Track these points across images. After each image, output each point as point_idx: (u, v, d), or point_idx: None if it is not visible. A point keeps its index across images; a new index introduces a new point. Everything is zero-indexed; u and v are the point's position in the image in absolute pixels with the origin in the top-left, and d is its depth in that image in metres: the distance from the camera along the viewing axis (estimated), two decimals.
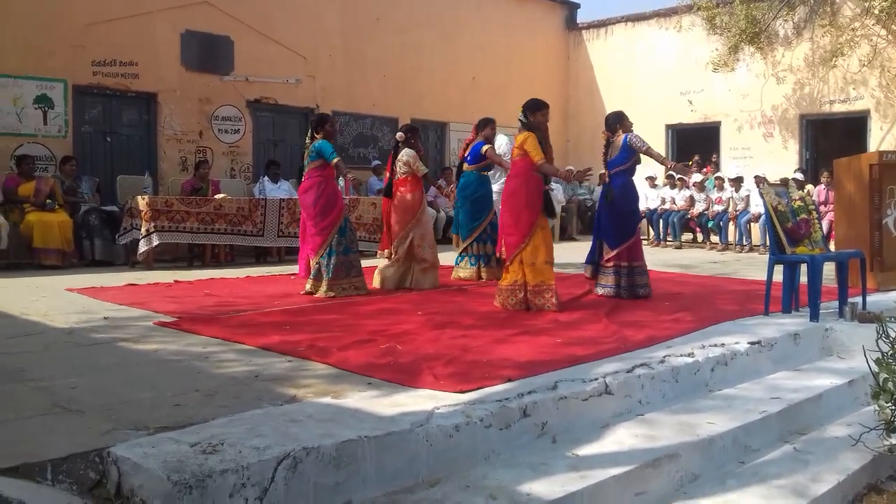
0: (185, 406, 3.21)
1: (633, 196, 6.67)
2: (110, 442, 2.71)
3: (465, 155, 7.91)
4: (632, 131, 6.62)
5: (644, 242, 13.24)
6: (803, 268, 5.69)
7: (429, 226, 7.20)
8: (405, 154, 7.11)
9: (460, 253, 7.89)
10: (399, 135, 7.32)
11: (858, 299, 5.83)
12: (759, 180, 11.13)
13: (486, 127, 7.75)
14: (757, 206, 11.56)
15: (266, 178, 11.03)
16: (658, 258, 10.72)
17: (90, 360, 4.15)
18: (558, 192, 13.70)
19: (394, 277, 7.09)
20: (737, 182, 12.50)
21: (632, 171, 6.63)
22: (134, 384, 3.63)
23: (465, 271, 7.76)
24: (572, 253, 8.80)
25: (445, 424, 3.02)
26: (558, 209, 13.53)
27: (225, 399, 3.33)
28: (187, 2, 10.96)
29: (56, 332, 4.94)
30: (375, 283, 7.11)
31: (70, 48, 9.97)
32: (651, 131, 14.66)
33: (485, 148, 7.56)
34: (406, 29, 13.64)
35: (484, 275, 7.66)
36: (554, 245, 6.40)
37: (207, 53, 11.21)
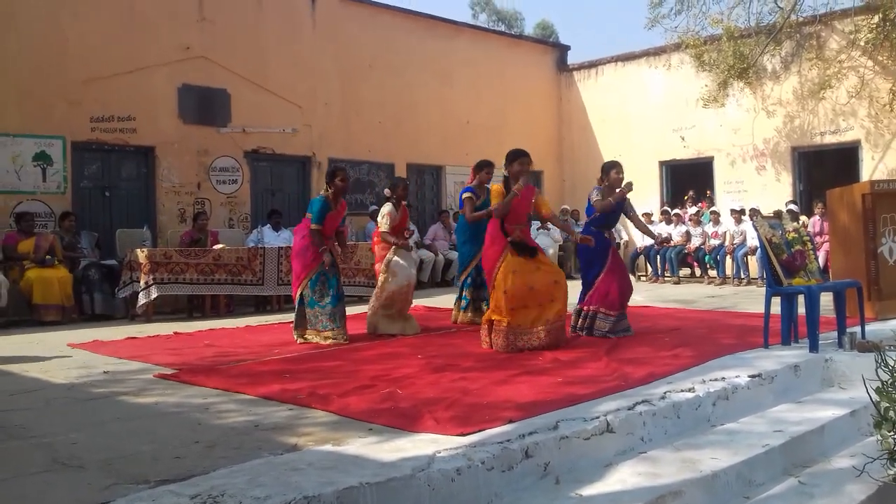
0: (185, 458, 3.20)
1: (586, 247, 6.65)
2: (111, 497, 2.70)
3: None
4: (612, 182, 6.63)
5: (642, 278, 13.48)
6: (801, 299, 5.70)
7: (401, 276, 7.10)
8: (383, 208, 7.27)
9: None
10: (386, 191, 7.46)
11: (857, 329, 5.83)
12: (754, 213, 11.22)
13: (482, 170, 7.63)
14: (753, 240, 11.61)
15: (268, 226, 11.14)
16: (656, 294, 10.75)
17: (90, 415, 4.15)
18: (555, 232, 13.78)
19: (371, 322, 7.16)
20: (739, 214, 12.57)
21: (596, 222, 6.64)
22: (134, 438, 3.63)
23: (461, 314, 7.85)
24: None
25: (447, 468, 3.01)
26: (554, 248, 13.59)
27: (225, 450, 3.32)
28: (183, 56, 11.14)
29: (56, 388, 4.94)
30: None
31: (68, 105, 10.11)
32: (645, 168, 14.82)
33: (465, 196, 7.53)
34: (400, 74, 13.84)
35: (460, 318, 7.76)
36: None
37: (204, 106, 11.36)
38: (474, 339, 6.33)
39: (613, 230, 6.81)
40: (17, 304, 8.80)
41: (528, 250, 6.06)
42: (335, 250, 6.93)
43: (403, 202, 7.35)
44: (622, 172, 6.61)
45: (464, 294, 7.78)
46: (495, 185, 6.18)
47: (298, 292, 6.73)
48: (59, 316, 8.72)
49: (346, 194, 7.06)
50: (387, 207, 7.19)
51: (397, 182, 7.47)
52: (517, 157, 6.05)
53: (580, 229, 7.29)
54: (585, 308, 6.55)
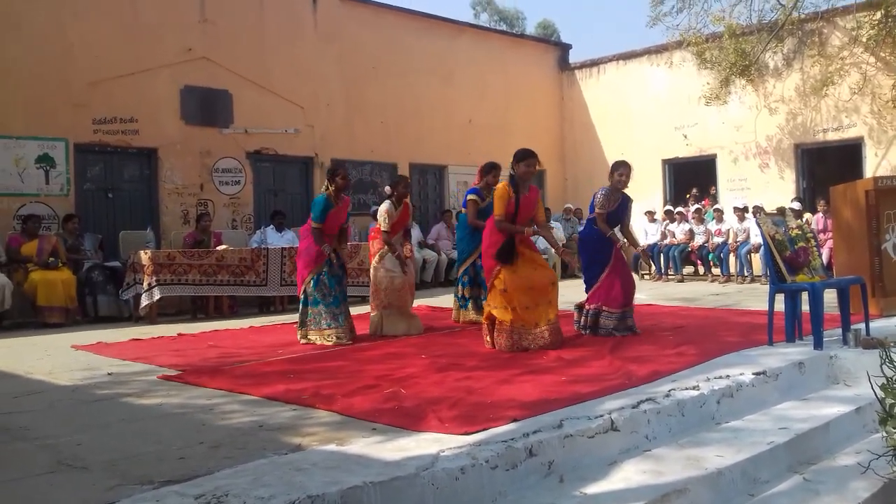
0: (189, 459, 3.20)
1: (588, 245, 6.71)
2: (115, 498, 2.70)
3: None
4: (613, 183, 6.62)
5: (646, 277, 13.46)
6: (805, 296, 5.69)
7: (396, 278, 7.08)
8: (382, 206, 7.25)
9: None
10: (387, 189, 7.45)
11: (861, 325, 5.81)
12: (757, 210, 11.19)
13: (489, 174, 7.50)
14: (757, 237, 11.59)
15: (272, 227, 11.15)
16: (660, 292, 10.73)
17: (95, 417, 4.15)
18: (558, 230, 13.75)
19: (374, 323, 7.16)
20: (742, 212, 12.55)
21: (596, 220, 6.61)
22: (138, 439, 3.63)
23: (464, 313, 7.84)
24: (573, 290, 8.79)
25: (451, 467, 3.00)
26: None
27: (230, 450, 3.32)
28: (186, 58, 11.16)
29: (61, 390, 4.95)
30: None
31: (71, 107, 10.12)
32: (648, 167, 14.79)
33: (469, 197, 7.50)
34: (403, 74, 13.84)
35: (462, 317, 7.75)
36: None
37: (206, 107, 11.38)
38: (478, 339, 6.32)
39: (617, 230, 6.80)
40: (21, 307, 8.83)
41: (513, 253, 5.98)
42: (339, 249, 6.93)
43: (406, 200, 7.35)
44: (626, 174, 6.54)
45: (462, 293, 7.77)
46: (498, 185, 6.17)
47: (302, 290, 6.73)
48: (62, 318, 8.73)
49: (348, 191, 7.06)
50: (385, 205, 7.19)
51: (398, 180, 7.53)
52: (525, 157, 6.00)
53: (582, 228, 7.28)
54: (588, 306, 6.55)
